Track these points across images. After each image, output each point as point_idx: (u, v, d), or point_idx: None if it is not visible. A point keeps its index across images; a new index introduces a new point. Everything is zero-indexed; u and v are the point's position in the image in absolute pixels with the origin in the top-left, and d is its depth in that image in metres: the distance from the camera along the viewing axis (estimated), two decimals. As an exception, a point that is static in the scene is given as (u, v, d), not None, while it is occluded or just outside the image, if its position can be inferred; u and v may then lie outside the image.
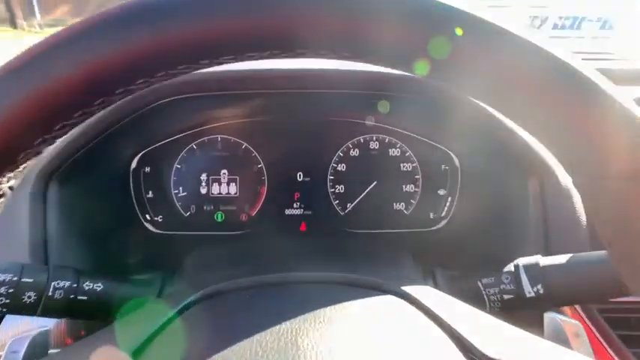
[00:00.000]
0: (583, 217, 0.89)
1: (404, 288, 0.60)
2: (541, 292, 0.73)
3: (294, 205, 1.22)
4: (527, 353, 0.49)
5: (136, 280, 0.86)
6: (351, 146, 1.21)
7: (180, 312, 0.57)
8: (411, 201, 1.22)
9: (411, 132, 1.19)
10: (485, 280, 0.78)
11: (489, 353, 0.46)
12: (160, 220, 1.18)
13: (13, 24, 13.70)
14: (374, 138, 1.21)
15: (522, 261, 0.77)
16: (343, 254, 0.95)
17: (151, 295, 0.81)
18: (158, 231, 1.18)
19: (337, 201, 1.22)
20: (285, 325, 0.47)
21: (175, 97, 0.88)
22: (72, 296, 0.71)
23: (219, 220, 1.21)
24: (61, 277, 0.71)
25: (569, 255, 0.74)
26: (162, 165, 1.18)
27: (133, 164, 1.15)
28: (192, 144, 1.19)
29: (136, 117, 0.95)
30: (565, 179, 0.90)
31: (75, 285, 0.72)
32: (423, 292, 0.61)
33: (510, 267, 0.77)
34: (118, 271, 0.88)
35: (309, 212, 1.22)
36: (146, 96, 0.85)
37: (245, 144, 1.20)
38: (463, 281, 0.81)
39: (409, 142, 1.21)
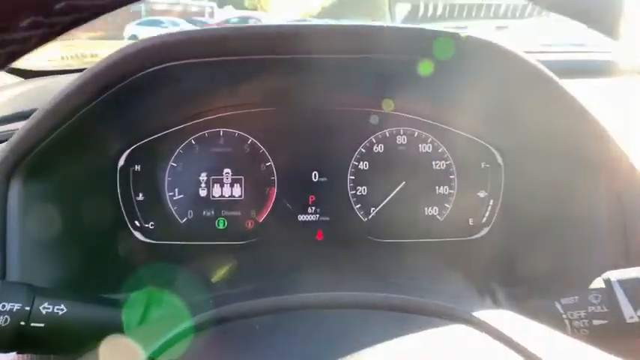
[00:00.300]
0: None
1: (482, 316, 0.43)
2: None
3: (309, 210, 1.04)
4: None
5: (115, 300, 0.68)
6: (374, 141, 1.04)
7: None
8: (446, 205, 1.04)
9: (444, 123, 1.02)
10: (565, 301, 0.60)
11: None
12: (151, 228, 1.01)
13: None
14: (401, 131, 1.04)
15: (615, 275, 0.59)
16: (370, 268, 0.77)
17: (132, 321, 0.63)
18: (148, 240, 1.00)
19: (359, 205, 1.04)
20: None
21: (167, 65, 0.70)
22: (22, 323, 0.54)
23: (221, 227, 1.03)
24: (7, 298, 0.53)
25: None
26: (155, 163, 1.02)
27: (121, 161, 0.98)
28: (191, 138, 1.02)
29: (121, 100, 0.77)
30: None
31: (27, 308, 0.54)
32: (509, 321, 0.44)
33: (598, 283, 0.59)
34: (93, 289, 0.70)
35: (327, 218, 1.04)
36: (130, 62, 0.67)
37: (251, 138, 1.03)
38: (534, 301, 0.63)
39: (442, 136, 1.03)
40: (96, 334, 0.54)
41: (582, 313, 0.58)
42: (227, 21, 13.60)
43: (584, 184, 0.78)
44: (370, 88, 0.97)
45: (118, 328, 0.61)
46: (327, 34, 0.72)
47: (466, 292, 0.64)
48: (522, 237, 0.91)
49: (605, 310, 0.57)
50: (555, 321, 0.59)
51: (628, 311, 0.55)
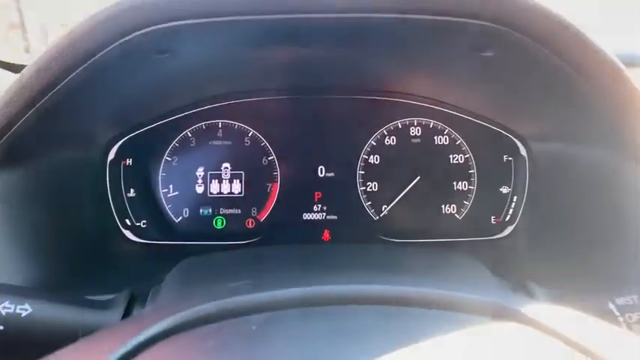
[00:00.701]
0: None
1: (535, 311, 0.34)
2: None
3: (315, 208, 0.96)
4: None
5: (97, 302, 0.59)
6: (386, 133, 0.96)
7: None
8: (464, 202, 0.95)
9: (461, 112, 0.94)
10: (621, 301, 0.50)
11: None
12: (143, 227, 0.93)
13: None
14: (415, 122, 0.96)
15: None
16: (385, 269, 0.67)
17: (111, 319, 0.55)
18: (140, 240, 0.92)
19: (370, 202, 0.96)
20: None
21: (152, 29, 0.59)
22: None
23: (219, 226, 0.95)
24: None
25: None
26: (149, 156, 0.94)
27: (111, 154, 0.91)
28: (187, 130, 0.95)
29: (104, 78, 0.67)
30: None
31: None
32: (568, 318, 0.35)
33: None
34: (78, 291, 0.62)
35: (334, 217, 0.96)
36: (109, 27, 0.58)
37: (252, 130, 0.95)
38: (580, 302, 0.53)
39: (460, 127, 0.95)
40: (70, 339, 0.45)
41: (642, 315, 0.49)
42: None
43: (628, 171, 0.68)
44: (384, 65, 0.87)
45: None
46: None
47: (502, 290, 0.55)
48: (553, 235, 0.82)
49: (671, 310, 0.48)
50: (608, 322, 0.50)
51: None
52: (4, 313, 0.48)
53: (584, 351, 0.33)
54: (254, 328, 0.36)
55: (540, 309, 0.38)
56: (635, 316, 0.49)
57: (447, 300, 0.38)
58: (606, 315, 0.51)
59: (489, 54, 0.66)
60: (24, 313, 0.49)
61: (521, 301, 0.38)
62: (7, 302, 0.49)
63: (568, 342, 0.34)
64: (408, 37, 0.65)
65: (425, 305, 0.38)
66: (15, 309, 0.49)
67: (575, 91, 0.63)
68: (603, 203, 0.73)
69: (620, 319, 0.50)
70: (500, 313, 0.37)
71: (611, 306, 0.51)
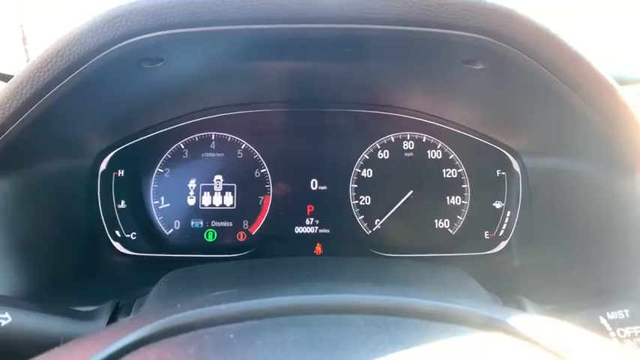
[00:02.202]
0: None
1: (523, 323, 0.33)
2: None
3: (307, 222, 0.95)
4: None
5: (82, 313, 0.58)
6: (379, 147, 0.96)
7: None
8: (458, 217, 0.95)
9: (455, 127, 0.94)
10: (612, 315, 0.49)
11: None
12: (133, 238, 0.92)
13: None
14: (408, 136, 0.96)
15: None
16: (374, 281, 0.66)
17: (94, 329, 0.53)
18: (130, 252, 0.91)
19: (362, 216, 0.95)
20: None
21: (142, 37, 0.59)
22: None
23: (210, 239, 0.94)
24: None
25: None
26: (141, 168, 0.94)
27: (103, 165, 0.90)
28: (179, 142, 0.95)
29: (93, 86, 0.67)
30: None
31: None
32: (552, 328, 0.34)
33: None
34: (66, 302, 0.61)
35: (327, 231, 0.95)
36: (100, 34, 0.58)
37: (245, 143, 0.95)
38: (570, 316, 0.52)
39: (453, 141, 0.95)
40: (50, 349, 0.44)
41: (637, 330, 0.48)
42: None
43: (619, 185, 0.68)
44: (377, 79, 0.87)
45: None
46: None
47: (493, 304, 0.54)
48: (546, 249, 0.81)
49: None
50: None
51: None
52: (-19, 323, 0.47)
53: None
54: (232, 336, 0.35)
55: (528, 321, 0.38)
56: (626, 331, 0.48)
57: (433, 310, 0.38)
58: (598, 330, 0.50)
59: (480, 67, 0.66)
60: (3, 322, 0.48)
61: (510, 314, 0.37)
62: None
63: (554, 354, 0.33)
64: (400, 50, 0.66)
65: (411, 314, 0.37)
66: None
67: (566, 105, 0.63)
68: (596, 217, 0.72)
69: (612, 334, 0.49)
70: (488, 324, 0.36)
71: (603, 320, 0.50)
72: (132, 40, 0.55)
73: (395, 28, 0.55)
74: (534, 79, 0.60)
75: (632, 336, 0.48)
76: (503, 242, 0.92)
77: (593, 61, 0.59)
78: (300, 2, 0.54)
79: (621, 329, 0.49)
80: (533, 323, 0.38)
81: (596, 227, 0.72)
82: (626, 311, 0.50)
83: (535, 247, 0.86)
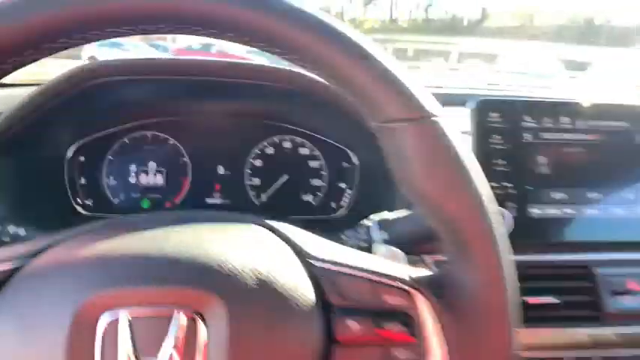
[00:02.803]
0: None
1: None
2: (387, 238, 0.90)
3: (215, 195, 1.38)
4: (355, 258, 0.54)
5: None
6: (267, 144, 1.40)
7: None
8: (318, 193, 1.40)
9: (317, 134, 1.39)
10: (348, 232, 0.95)
11: (318, 255, 0.53)
12: (90, 204, 1.32)
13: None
14: (287, 138, 1.40)
15: (374, 217, 0.95)
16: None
17: None
18: (87, 213, 1.30)
19: (253, 192, 1.38)
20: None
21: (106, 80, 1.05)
22: None
23: (145, 206, 1.35)
24: None
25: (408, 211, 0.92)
26: (96, 156, 1.33)
27: (69, 153, 1.29)
28: (125, 138, 1.35)
29: (71, 106, 1.10)
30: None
31: None
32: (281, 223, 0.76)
33: (366, 221, 0.95)
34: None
35: (228, 201, 1.38)
36: (75, 77, 1.01)
37: (173, 140, 1.36)
38: (330, 234, 0.97)
39: (316, 143, 1.40)
40: None
41: (355, 241, 0.93)
42: (189, 47, 13.51)
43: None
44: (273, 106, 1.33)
45: None
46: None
47: None
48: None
49: (366, 237, 0.93)
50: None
51: (375, 236, 0.91)
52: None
53: (280, 235, 0.71)
54: None
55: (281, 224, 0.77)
56: (350, 242, 0.93)
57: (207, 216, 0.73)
58: (340, 242, 0.95)
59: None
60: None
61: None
62: None
63: (272, 230, 0.69)
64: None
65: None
66: None
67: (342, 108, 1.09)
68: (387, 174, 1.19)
69: (346, 243, 0.94)
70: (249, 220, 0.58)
71: (342, 236, 0.95)
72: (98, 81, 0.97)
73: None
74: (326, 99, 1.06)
75: (353, 245, 0.93)
76: (343, 210, 1.38)
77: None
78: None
79: (350, 239, 0.94)
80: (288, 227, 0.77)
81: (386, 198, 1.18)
82: (354, 229, 0.95)
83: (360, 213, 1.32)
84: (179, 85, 1.21)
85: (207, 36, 0.51)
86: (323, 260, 0.52)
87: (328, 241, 0.59)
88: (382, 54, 0.48)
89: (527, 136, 1.08)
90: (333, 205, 1.39)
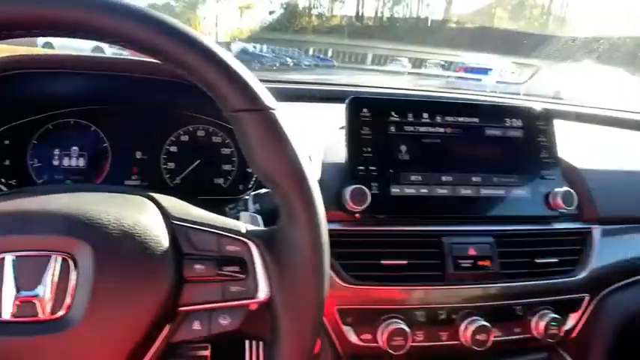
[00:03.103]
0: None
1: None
2: (259, 209, 1.09)
3: (133, 177, 1.53)
4: (207, 218, 0.70)
5: None
6: (182, 132, 1.56)
7: None
8: (228, 177, 1.57)
9: (228, 124, 1.56)
10: (230, 205, 1.14)
11: (177, 214, 0.69)
12: (13, 184, 1.44)
13: None
14: (200, 127, 1.57)
15: (252, 193, 1.14)
16: None
17: None
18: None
19: (168, 175, 1.54)
20: None
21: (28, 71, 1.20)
22: None
23: (68, 186, 1.48)
24: None
25: None
26: (22, 139, 1.46)
27: (-5, 136, 1.42)
28: (49, 124, 1.48)
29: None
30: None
31: None
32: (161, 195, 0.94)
33: (245, 196, 1.14)
34: None
35: (145, 183, 1.53)
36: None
37: (94, 126, 1.50)
38: (217, 209, 1.15)
39: (228, 132, 1.57)
40: None
41: (235, 212, 1.12)
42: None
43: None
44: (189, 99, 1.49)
45: None
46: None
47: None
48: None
49: (243, 209, 1.11)
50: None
51: (250, 208, 1.10)
52: None
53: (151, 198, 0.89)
54: None
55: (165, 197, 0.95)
56: (231, 212, 1.12)
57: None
58: (225, 214, 1.13)
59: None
60: None
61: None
62: None
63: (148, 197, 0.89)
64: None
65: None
66: None
67: None
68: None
69: (228, 214, 1.12)
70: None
71: (226, 209, 1.13)
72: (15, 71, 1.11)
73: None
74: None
75: (233, 215, 1.11)
76: (250, 191, 1.56)
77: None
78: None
79: (232, 211, 1.12)
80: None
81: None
82: (235, 204, 1.13)
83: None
84: (100, 78, 1.36)
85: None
86: (180, 219, 0.67)
87: (191, 205, 0.73)
88: (229, 56, 0.67)
89: (392, 129, 1.29)
90: (241, 187, 1.57)
